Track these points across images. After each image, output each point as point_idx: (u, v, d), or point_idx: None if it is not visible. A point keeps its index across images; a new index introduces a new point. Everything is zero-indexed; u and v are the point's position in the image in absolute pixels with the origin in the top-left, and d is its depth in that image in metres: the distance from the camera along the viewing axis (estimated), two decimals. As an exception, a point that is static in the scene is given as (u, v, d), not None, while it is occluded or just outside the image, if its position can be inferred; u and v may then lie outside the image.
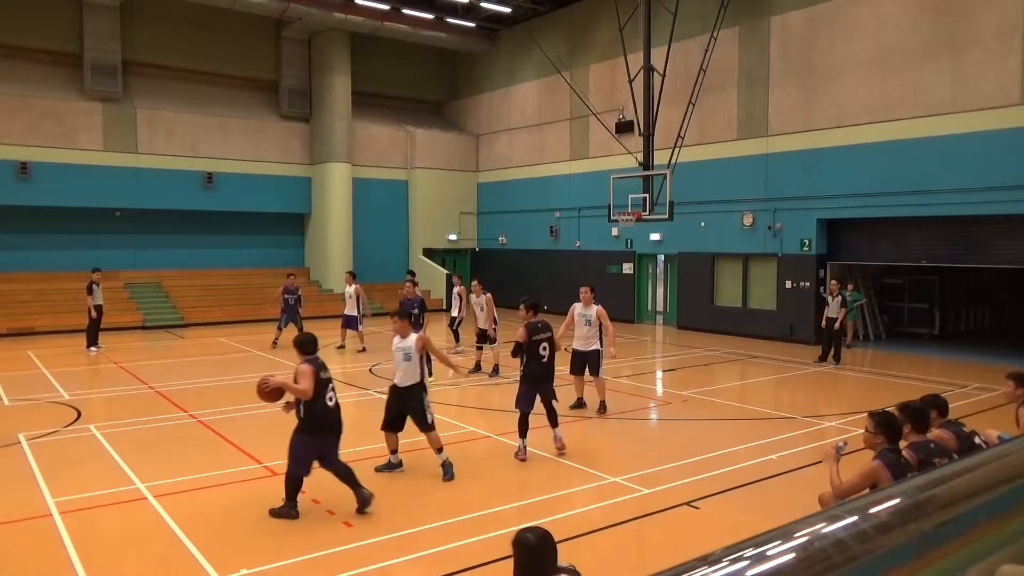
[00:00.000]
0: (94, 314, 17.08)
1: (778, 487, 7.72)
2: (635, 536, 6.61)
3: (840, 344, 15.56)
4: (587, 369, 10.77)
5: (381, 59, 27.97)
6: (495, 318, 14.27)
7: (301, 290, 18.50)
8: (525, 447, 8.61)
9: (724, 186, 19.96)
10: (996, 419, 8.95)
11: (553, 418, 8.83)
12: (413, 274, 17.67)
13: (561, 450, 8.73)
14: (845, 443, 5.25)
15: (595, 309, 10.58)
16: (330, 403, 6.87)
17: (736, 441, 9.45)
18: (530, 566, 3.47)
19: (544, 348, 8.73)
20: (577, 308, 10.66)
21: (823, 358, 15.52)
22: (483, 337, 14.31)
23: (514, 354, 8.82)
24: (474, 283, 14.71)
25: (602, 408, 10.80)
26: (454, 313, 17.04)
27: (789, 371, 14.90)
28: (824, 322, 15.59)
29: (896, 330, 20.19)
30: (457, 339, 17.25)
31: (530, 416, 8.69)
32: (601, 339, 10.64)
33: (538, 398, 8.72)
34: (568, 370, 11.01)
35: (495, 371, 14.02)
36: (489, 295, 14.33)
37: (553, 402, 8.86)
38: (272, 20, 25.15)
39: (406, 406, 7.91)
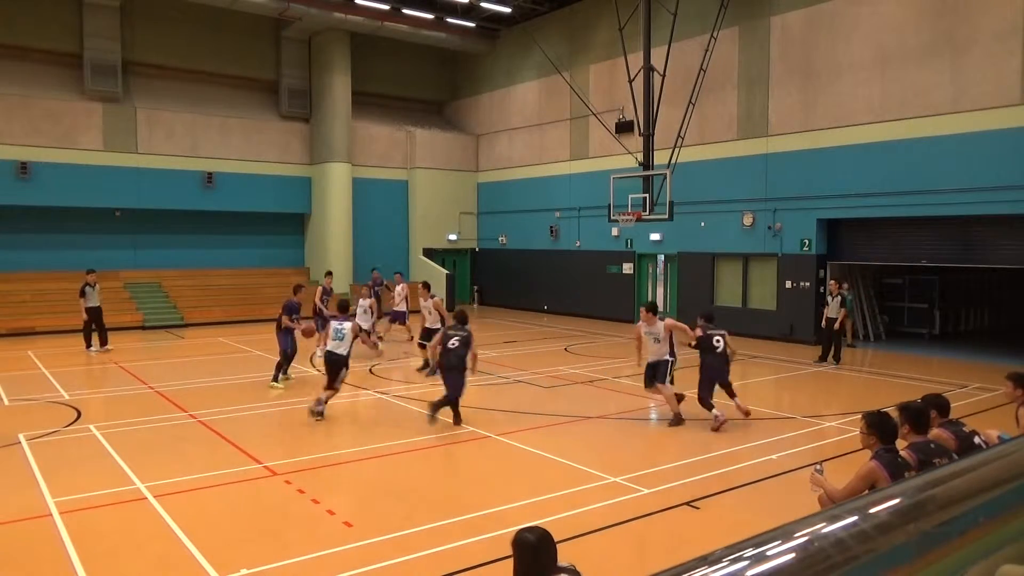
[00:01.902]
0: (85, 316, 16.75)
1: (778, 487, 7.71)
2: (635, 536, 6.61)
3: (840, 344, 15.56)
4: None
5: (381, 59, 27.97)
6: (443, 320, 14.00)
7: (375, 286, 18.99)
8: (717, 414, 10.03)
9: (724, 186, 19.96)
10: (996, 419, 8.96)
11: (731, 393, 10.48)
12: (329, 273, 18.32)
13: (747, 414, 10.36)
14: (820, 466, 5.27)
15: (661, 325, 10.50)
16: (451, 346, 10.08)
17: (736, 441, 9.45)
18: (530, 566, 3.47)
19: (718, 340, 10.32)
20: (643, 328, 10.63)
21: (823, 358, 15.53)
22: (428, 335, 13.99)
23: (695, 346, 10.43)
24: (420, 287, 14.90)
25: (675, 420, 10.36)
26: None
27: (789, 371, 14.90)
28: (824, 322, 15.61)
29: (896, 330, 20.19)
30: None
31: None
32: (672, 349, 10.53)
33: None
34: (644, 385, 11.06)
35: (426, 365, 14.11)
36: (437, 299, 14.57)
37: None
38: (272, 20, 25.15)
39: None
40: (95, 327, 17.07)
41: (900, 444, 5.00)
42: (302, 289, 13.85)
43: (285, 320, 12.82)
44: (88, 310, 16.77)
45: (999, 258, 16.13)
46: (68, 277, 21.72)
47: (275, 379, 12.91)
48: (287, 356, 12.99)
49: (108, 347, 17.08)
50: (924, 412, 5.19)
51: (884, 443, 4.82)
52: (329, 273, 18.39)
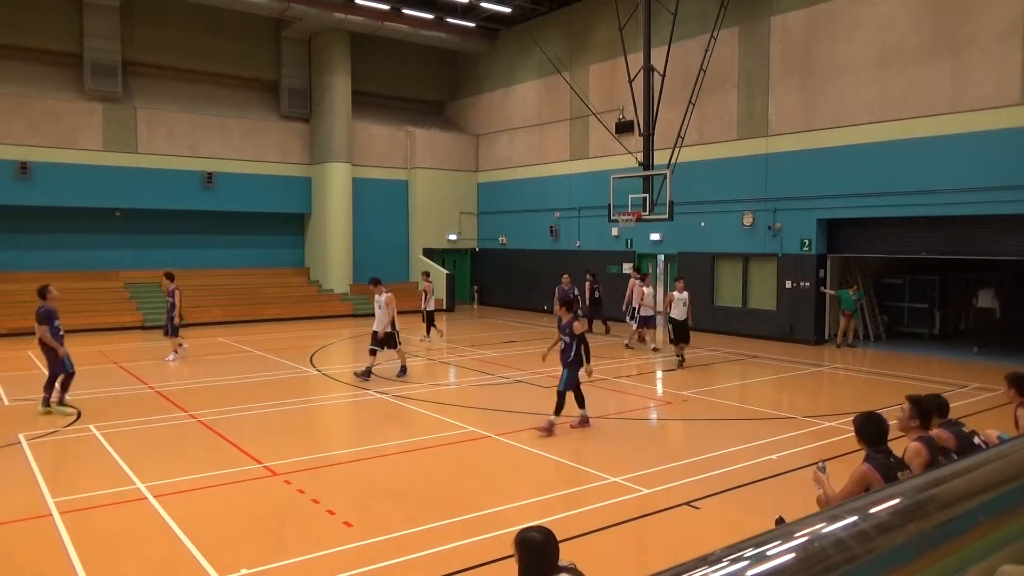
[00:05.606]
0: None
1: (778, 487, 7.71)
2: (635, 536, 6.62)
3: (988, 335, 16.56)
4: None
5: (381, 59, 27.97)
6: (394, 321, 13.47)
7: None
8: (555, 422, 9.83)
9: (724, 186, 19.96)
10: (996, 419, 8.96)
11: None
12: None
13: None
14: (823, 463, 5.24)
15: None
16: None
17: (736, 441, 9.45)
18: (531, 564, 3.47)
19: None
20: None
21: (981, 346, 16.82)
22: (378, 340, 13.40)
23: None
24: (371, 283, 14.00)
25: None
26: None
27: (789, 371, 14.90)
28: (981, 312, 16.91)
29: (896, 330, 20.17)
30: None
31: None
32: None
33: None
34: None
35: (366, 373, 13.29)
36: (390, 295, 13.66)
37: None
38: (272, 20, 25.15)
39: None
40: None
41: (910, 437, 4.97)
42: (49, 291, 10.89)
43: (43, 332, 10.42)
44: None
45: (998, 252, 16.13)
46: (68, 277, 21.72)
47: (47, 403, 10.72)
48: (70, 375, 10.89)
49: None
50: (942, 405, 5.48)
51: (871, 446, 4.78)
52: (169, 275, 16.10)
